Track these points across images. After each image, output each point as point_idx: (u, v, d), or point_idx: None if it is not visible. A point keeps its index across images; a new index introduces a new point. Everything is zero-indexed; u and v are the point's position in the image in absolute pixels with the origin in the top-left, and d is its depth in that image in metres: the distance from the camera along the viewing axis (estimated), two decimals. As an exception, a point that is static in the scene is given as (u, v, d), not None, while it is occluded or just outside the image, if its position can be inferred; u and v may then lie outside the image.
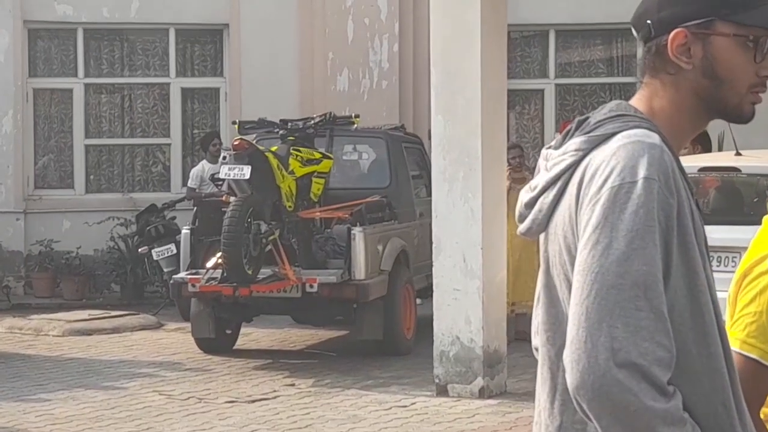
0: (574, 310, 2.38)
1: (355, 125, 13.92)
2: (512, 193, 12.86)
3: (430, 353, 11.36)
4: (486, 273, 11.21)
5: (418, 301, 13.40)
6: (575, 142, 2.52)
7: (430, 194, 11.79)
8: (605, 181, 2.38)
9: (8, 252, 16.82)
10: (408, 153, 14.20)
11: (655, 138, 2.43)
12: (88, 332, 14.39)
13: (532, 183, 2.62)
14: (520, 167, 13.78)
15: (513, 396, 10.95)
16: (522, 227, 2.63)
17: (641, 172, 2.36)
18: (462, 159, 11.00)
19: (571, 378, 2.35)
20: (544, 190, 2.57)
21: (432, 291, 11.67)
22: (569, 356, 2.35)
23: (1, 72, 17.69)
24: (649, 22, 2.57)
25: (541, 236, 2.61)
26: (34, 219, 17.33)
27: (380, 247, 12.64)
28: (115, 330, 14.58)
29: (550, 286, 2.58)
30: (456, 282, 11.26)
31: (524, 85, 18.11)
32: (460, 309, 11.24)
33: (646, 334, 2.32)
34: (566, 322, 2.42)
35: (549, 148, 2.59)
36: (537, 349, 2.67)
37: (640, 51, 2.65)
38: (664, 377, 2.31)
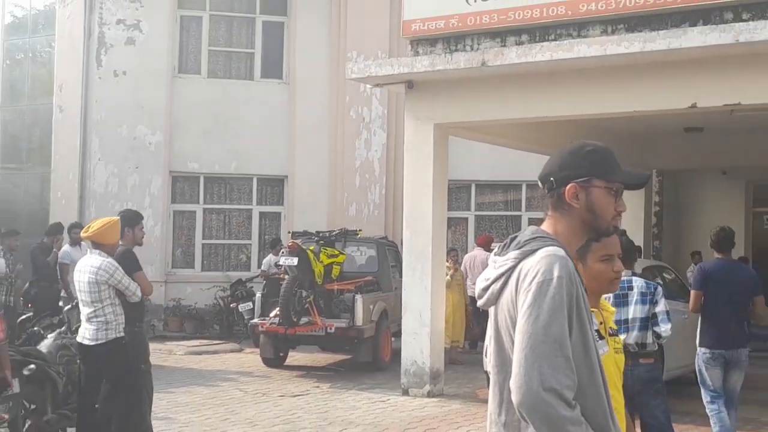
0: (517, 356, 2.44)
1: (359, 236, 14.22)
2: (449, 278, 12.88)
3: (399, 370, 11.51)
4: (432, 323, 11.30)
5: (393, 339, 13.34)
6: (514, 254, 2.58)
7: (401, 276, 11.86)
8: (534, 277, 2.46)
9: (154, 305, 16.12)
10: (389, 252, 14.57)
11: (562, 252, 2.52)
12: (199, 353, 14.60)
13: (486, 275, 2.66)
14: (455, 263, 13.79)
15: (447, 396, 11.48)
16: (481, 302, 2.69)
17: (556, 273, 2.43)
18: (420, 257, 11.45)
19: (515, 397, 2.42)
20: (495, 281, 2.62)
21: (401, 333, 11.70)
22: (514, 384, 2.42)
23: (155, 202, 17.82)
24: (552, 179, 2.69)
25: (492, 308, 2.64)
26: (171, 286, 18.19)
27: (371, 307, 12.97)
28: (215, 352, 15.14)
29: (498, 340, 2.60)
30: (415, 328, 11.29)
31: (456, 215, 18.55)
32: (417, 344, 11.25)
33: (561, 371, 2.39)
34: (510, 362, 2.48)
35: (496, 255, 2.67)
36: (488, 373, 2.73)
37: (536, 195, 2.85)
38: (570, 397, 2.40)
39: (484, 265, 12.81)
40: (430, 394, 10.86)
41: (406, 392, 10.99)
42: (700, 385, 8.08)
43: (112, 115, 17.04)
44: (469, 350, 15.33)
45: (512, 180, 17.28)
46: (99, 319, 7.12)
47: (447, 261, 14.07)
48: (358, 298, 12.61)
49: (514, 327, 2.46)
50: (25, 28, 18.48)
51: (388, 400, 10.76)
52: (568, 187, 2.63)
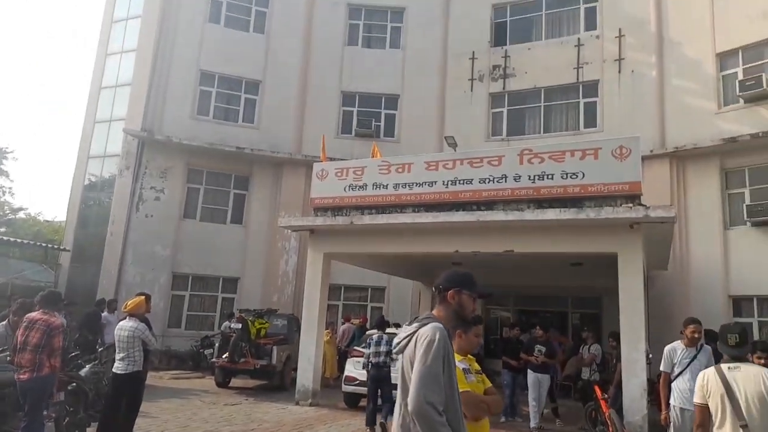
0: (413, 383, 2.38)
1: (278, 312, 13.50)
2: (329, 338, 12.47)
3: (294, 390, 10.95)
4: (314, 364, 10.75)
5: (293, 372, 12.59)
6: (415, 324, 2.51)
7: (299, 336, 11.35)
8: (425, 339, 2.42)
9: (155, 349, 15.04)
10: (294, 322, 13.78)
11: (441, 326, 2.47)
12: (177, 378, 13.29)
13: (400, 335, 2.55)
14: (333, 331, 13.49)
15: (320, 406, 10.66)
16: (396, 350, 2.58)
17: (437, 337, 2.39)
18: (311, 326, 10.97)
19: (410, 407, 2.34)
20: (404, 338, 2.53)
21: (297, 369, 10.91)
22: (410, 398, 2.33)
23: (162, 289, 15.80)
24: (441, 286, 2.66)
25: (401, 356, 2.53)
26: (166, 338, 15.71)
27: (282, 353, 12.37)
28: (187, 378, 13.60)
29: (404, 377, 2.49)
30: (305, 366, 10.67)
31: (332, 302, 16.05)
32: (305, 375, 10.63)
33: (435, 393, 2.33)
34: (409, 390, 2.40)
35: (407, 324, 2.55)
36: (400, 394, 2.51)
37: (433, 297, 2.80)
38: (441, 409, 2.34)
39: (346, 331, 12.29)
40: (311, 405, 10.36)
41: (297, 403, 10.43)
42: None
43: (141, 238, 15.97)
44: (338, 375, 14.74)
45: (363, 285, 16.23)
46: (129, 359, 6.72)
47: (328, 329, 13.42)
48: (275, 348, 12.05)
49: (412, 367, 2.43)
50: (96, 187, 17.56)
51: (287, 408, 10.19)
52: (449, 293, 2.61)
